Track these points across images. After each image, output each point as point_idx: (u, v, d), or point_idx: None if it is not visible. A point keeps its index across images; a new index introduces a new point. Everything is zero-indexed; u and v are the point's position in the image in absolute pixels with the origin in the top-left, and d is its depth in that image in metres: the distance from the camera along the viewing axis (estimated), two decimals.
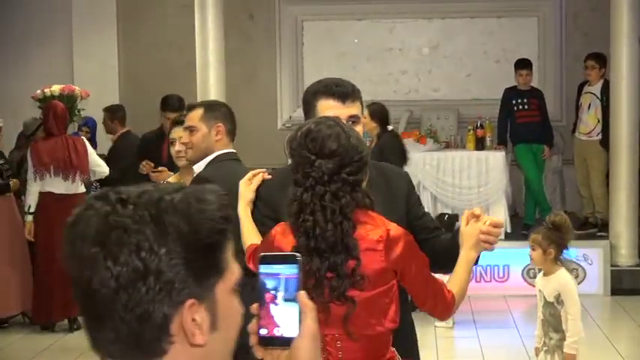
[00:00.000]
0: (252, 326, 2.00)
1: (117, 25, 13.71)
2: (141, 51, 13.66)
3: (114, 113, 11.25)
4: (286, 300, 1.96)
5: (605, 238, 11.08)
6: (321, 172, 3.21)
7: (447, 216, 9.87)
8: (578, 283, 10.08)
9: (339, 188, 3.22)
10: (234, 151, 5.06)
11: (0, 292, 9.47)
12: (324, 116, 3.47)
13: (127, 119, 11.23)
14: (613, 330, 9.41)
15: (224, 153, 4.94)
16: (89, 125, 11.73)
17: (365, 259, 3.20)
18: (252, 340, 2.01)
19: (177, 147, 5.47)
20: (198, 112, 4.99)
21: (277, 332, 1.95)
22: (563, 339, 6.16)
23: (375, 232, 3.27)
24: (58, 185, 9.35)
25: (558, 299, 6.17)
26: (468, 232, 3.47)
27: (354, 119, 3.69)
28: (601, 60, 11.36)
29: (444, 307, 3.40)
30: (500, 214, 11.00)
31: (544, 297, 6.25)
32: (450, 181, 11.25)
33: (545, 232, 6.28)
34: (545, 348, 6.28)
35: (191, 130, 4.96)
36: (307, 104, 3.81)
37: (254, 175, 3.82)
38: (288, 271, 2.02)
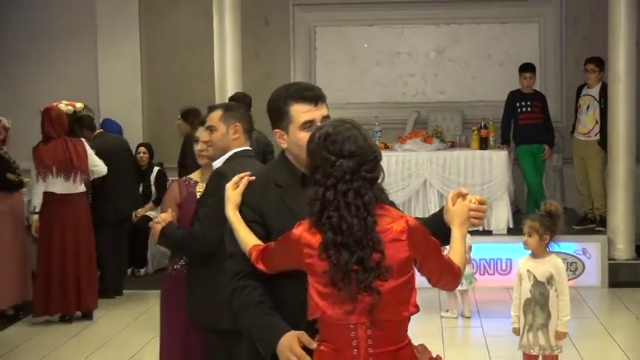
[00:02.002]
0: None
1: (139, 29, 13.60)
2: (162, 54, 13.53)
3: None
4: None
5: (603, 233, 10.95)
6: (343, 172, 3.21)
7: None
8: (577, 277, 10.42)
9: (361, 186, 3.23)
10: (250, 148, 5.06)
11: (15, 280, 9.54)
12: (339, 119, 3.38)
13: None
14: (610, 321, 9.29)
15: (241, 150, 4.93)
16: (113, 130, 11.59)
17: (391, 249, 3.22)
18: None
19: (200, 146, 5.43)
20: (217, 113, 5.04)
21: None
22: (548, 318, 6.33)
23: (398, 223, 3.29)
24: (59, 186, 9.17)
25: (549, 280, 6.34)
26: (456, 211, 3.57)
27: (325, 119, 3.62)
28: (600, 64, 11.21)
29: (455, 280, 3.46)
30: (503, 211, 11.09)
31: (534, 277, 6.36)
32: (455, 179, 11.07)
33: (541, 220, 6.38)
34: (527, 327, 6.39)
35: (211, 129, 5.03)
36: (277, 110, 3.65)
37: (240, 179, 3.71)
38: None
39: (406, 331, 3.36)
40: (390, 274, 3.20)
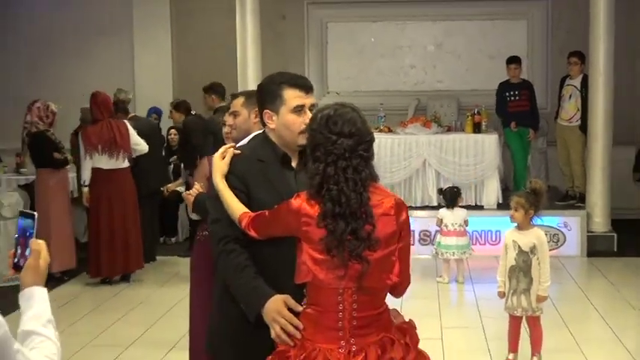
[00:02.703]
0: (10, 256, 2.66)
1: (171, 26, 13.63)
2: (191, 48, 13.52)
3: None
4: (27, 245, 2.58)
5: (582, 208, 10.96)
6: (343, 149, 3.21)
7: (449, 188, 9.76)
8: (558, 248, 10.42)
9: (358, 163, 3.23)
10: None
11: (63, 247, 9.53)
12: (339, 103, 3.38)
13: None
14: (588, 286, 9.30)
15: (261, 132, 4.83)
16: (157, 113, 11.87)
17: (380, 223, 3.22)
18: (9, 266, 2.67)
19: (226, 129, 5.37)
20: (240, 100, 4.99)
21: (22, 263, 2.58)
22: (530, 283, 6.35)
23: (388, 200, 3.30)
24: (105, 162, 9.24)
25: (533, 250, 6.35)
26: None
27: (312, 107, 3.58)
28: (581, 57, 11.22)
29: (406, 284, 3.43)
30: (493, 188, 11.10)
31: (519, 247, 6.37)
32: (452, 160, 11.11)
33: (527, 196, 6.41)
34: (511, 291, 6.41)
35: (235, 114, 4.99)
36: (270, 93, 3.62)
37: (226, 150, 3.66)
38: (32, 224, 2.61)
39: (385, 297, 3.36)
40: (378, 245, 3.20)
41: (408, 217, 3.38)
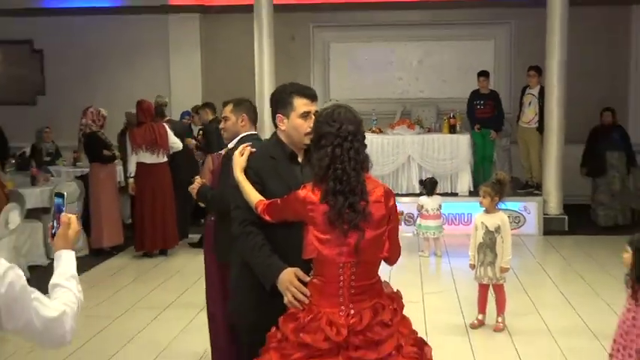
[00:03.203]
0: (49, 229, 2.81)
1: (200, 46, 13.60)
2: (216, 64, 13.51)
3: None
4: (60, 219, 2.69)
5: (539, 195, 10.98)
6: (347, 133, 3.21)
7: (428, 179, 9.78)
8: (520, 228, 10.47)
9: (359, 147, 3.24)
10: (256, 132, 4.98)
11: (112, 227, 9.67)
12: (337, 104, 3.41)
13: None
14: (544, 259, 9.34)
15: (248, 134, 4.82)
16: (189, 116, 11.75)
17: (373, 208, 3.22)
18: (49, 236, 2.81)
19: (221, 125, 5.31)
20: (229, 107, 4.96)
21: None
22: (495, 257, 6.43)
23: (379, 189, 3.29)
24: (147, 158, 9.29)
25: (497, 230, 6.41)
26: None
27: (316, 113, 3.52)
28: (539, 71, 11.23)
29: (398, 254, 3.45)
30: (466, 179, 11.14)
31: (486, 227, 6.43)
32: (431, 155, 11.12)
33: (493, 186, 6.47)
34: (480, 264, 6.48)
35: (225, 119, 4.96)
36: (282, 100, 3.60)
37: (244, 148, 3.64)
38: (62, 202, 2.78)
39: (377, 270, 3.35)
40: (371, 218, 3.21)
41: (395, 203, 3.37)
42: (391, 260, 3.42)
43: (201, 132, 11.59)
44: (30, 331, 2.28)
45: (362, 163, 3.25)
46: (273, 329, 3.31)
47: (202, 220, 11.30)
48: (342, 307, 3.22)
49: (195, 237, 10.06)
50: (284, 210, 3.34)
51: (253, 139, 4.75)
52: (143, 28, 13.42)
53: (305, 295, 3.26)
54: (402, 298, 3.43)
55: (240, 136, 4.85)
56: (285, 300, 3.31)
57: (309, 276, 3.33)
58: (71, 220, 2.67)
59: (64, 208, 2.76)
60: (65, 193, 2.87)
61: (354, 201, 3.18)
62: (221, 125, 5.14)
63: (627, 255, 4.50)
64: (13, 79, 13.88)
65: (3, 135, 11.68)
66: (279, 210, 3.36)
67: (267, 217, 3.39)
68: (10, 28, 13.50)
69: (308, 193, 3.25)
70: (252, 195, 3.47)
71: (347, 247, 3.19)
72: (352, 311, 3.21)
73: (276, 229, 3.43)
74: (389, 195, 3.33)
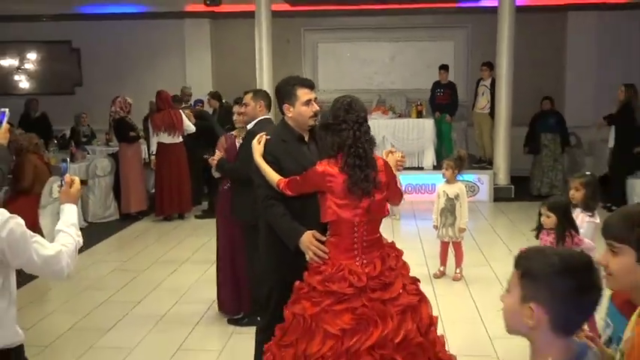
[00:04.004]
0: (58, 187, 2.90)
1: (210, 46, 13.54)
2: (224, 62, 13.45)
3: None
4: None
5: (490, 169, 10.94)
6: (363, 119, 3.30)
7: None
8: (475, 196, 10.46)
9: (369, 129, 3.33)
10: (270, 116, 4.98)
11: (138, 195, 9.64)
12: (347, 95, 3.42)
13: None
14: (494, 221, 9.32)
15: (264, 118, 4.84)
16: (201, 103, 11.57)
17: (379, 176, 3.31)
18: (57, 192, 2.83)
19: (235, 116, 5.44)
20: (249, 95, 4.98)
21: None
22: (455, 219, 6.47)
23: (379, 160, 3.36)
24: (166, 138, 9.24)
25: (457, 197, 6.44)
26: (389, 161, 3.46)
27: (315, 99, 3.62)
28: (491, 66, 11.13)
29: (399, 197, 3.54)
30: (430, 155, 11.03)
31: (447, 195, 6.46)
32: (402, 136, 11.05)
33: (455, 161, 6.51)
34: (442, 225, 6.52)
35: (246, 105, 4.99)
36: (287, 92, 3.58)
37: (260, 137, 3.62)
38: (67, 166, 2.84)
39: (380, 227, 3.41)
40: (380, 186, 3.30)
41: (391, 169, 3.45)
42: (397, 202, 3.58)
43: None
44: (32, 267, 2.39)
45: (372, 140, 3.33)
46: (298, 283, 3.34)
47: (206, 191, 11.37)
48: (358, 259, 3.27)
49: (202, 206, 10.01)
50: (304, 184, 3.34)
51: (268, 121, 4.83)
52: (163, 31, 13.35)
53: (324, 252, 3.29)
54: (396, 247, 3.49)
55: (259, 119, 4.84)
56: (307, 257, 3.33)
57: (324, 236, 3.35)
58: (74, 180, 2.76)
59: (68, 171, 2.83)
60: (68, 159, 3.09)
61: (368, 172, 3.24)
62: (242, 110, 5.15)
63: (550, 220, 4.49)
64: (55, 73, 13.89)
65: (47, 120, 11.74)
66: (300, 185, 3.35)
67: (288, 192, 3.39)
68: (53, 30, 13.52)
69: (326, 167, 3.26)
70: (272, 175, 3.46)
71: (360, 209, 3.25)
72: (365, 261, 3.27)
73: (293, 200, 3.43)
74: (387, 165, 3.41)
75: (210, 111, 10.96)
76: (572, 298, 1.66)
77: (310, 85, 3.63)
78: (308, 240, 3.34)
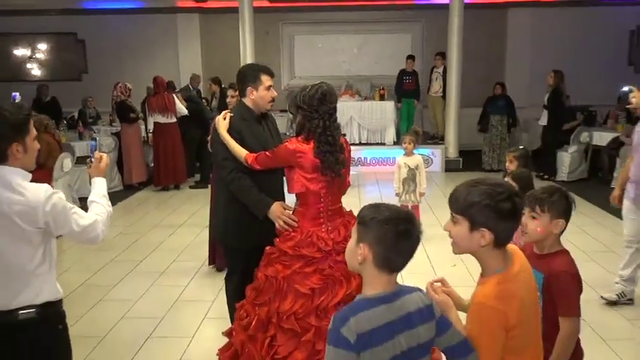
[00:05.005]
0: (88, 163, 2.73)
1: (200, 37, 13.34)
2: (213, 52, 13.26)
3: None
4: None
5: (442, 144, 10.99)
6: (333, 109, 3.15)
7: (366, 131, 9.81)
8: (429, 167, 10.50)
9: (336, 117, 3.19)
10: None
11: (138, 169, 9.56)
12: (322, 83, 3.20)
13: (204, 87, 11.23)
14: (445, 188, 9.33)
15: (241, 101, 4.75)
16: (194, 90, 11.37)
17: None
18: (88, 167, 2.74)
19: (229, 99, 5.44)
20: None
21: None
22: (415, 186, 6.52)
23: (342, 140, 3.23)
24: (161, 119, 9.11)
25: (416, 167, 6.49)
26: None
27: (272, 85, 3.51)
28: (443, 55, 11.09)
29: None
30: (391, 133, 11.00)
31: (408, 166, 6.47)
32: (366, 116, 11.02)
33: (414, 135, 6.56)
34: (404, 192, 6.52)
35: (236, 89, 4.73)
36: (252, 76, 3.45)
37: (225, 114, 3.47)
38: (96, 144, 2.86)
39: (342, 196, 3.34)
40: (345, 163, 3.21)
41: (350, 149, 3.36)
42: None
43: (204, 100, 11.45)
44: (72, 234, 2.39)
45: (339, 127, 3.21)
46: (269, 248, 3.26)
47: (198, 164, 11.26)
48: (323, 226, 3.19)
49: (195, 178, 9.94)
50: (274, 160, 3.20)
51: None
52: (158, 24, 13.11)
53: (293, 220, 3.21)
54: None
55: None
56: (277, 226, 3.24)
57: (291, 207, 3.27)
58: (102, 157, 2.72)
59: (96, 148, 2.79)
60: (98, 138, 3.02)
61: (338, 156, 3.15)
62: (235, 93, 5.00)
63: (512, 164, 4.49)
64: (63, 61, 13.61)
65: (57, 103, 11.55)
66: (269, 160, 3.22)
67: (257, 166, 3.25)
68: (60, 23, 13.24)
69: (297, 145, 3.12)
70: (239, 149, 3.33)
71: (326, 182, 3.15)
72: (330, 228, 3.19)
73: (258, 174, 3.31)
74: (347, 144, 3.31)
75: (210, 95, 10.88)
76: (391, 242, 1.80)
77: (272, 74, 3.51)
78: (278, 210, 3.26)
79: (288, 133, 9.39)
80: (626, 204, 4.65)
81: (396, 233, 1.80)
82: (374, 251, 1.82)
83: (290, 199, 3.44)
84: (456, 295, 2.07)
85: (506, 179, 4.51)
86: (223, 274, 5.49)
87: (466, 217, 1.92)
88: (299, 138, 3.16)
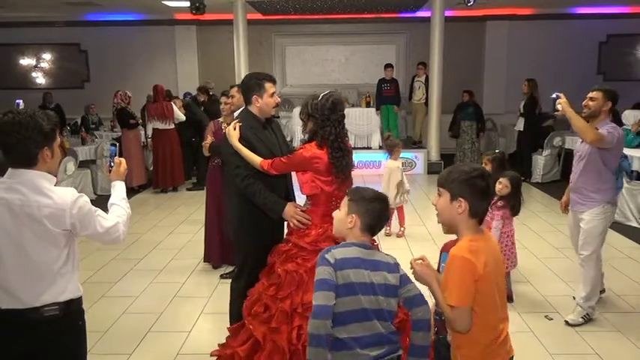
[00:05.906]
0: (106, 168, 2.75)
1: (197, 47, 13.28)
2: (209, 61, 13.22)
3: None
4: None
5: (425, 148, 10.98)
6: (342, 117, 3.22)
7: (354, 136, 9.80)
8: (413, 169, 10.53)
9: (344, 125, 3.24)
10: None
11: (138, 172, 9.45)
12: (333, 92, 3.28)
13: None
14: (428, 189, 9.35)
15: (245, 108, 4.73)
16: (190, 96, 11.26)
17: None
18: (106, 173, 2.76)
19: (222, 106, 5.29)
20: (235, 88, 4.99)
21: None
22: (403, 185, 6.48)
23: (349, 145, 3.29)
24: (160, 125, 9.06)
25: (401, 170, 6.50)
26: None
27: (275, 92, 3.50)
28: (425, 65, 11.09)
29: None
30: (376, 138, 10.96)
31: (399, 168, 6.46)
32: (354, 122, 10.91)
33: (396, 142, 6.59)
34: (398, 194, 6.45)
35: (232, 96, 4.97)
36: (257, 85, 3.43)
37: (235, 124, 3.42)
38: (115, 149, 2.81)
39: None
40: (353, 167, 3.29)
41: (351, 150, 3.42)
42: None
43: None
44: (96, 235, 2.40)
45: (346, 133, 3.28)
46: (283, 245, 3.27)
47: (194, 168, 11.20)
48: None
49: (192, 181, 9.89)
50: (289, 165, 3.22)
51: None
52: (157, 35, 13.08)
53: (307, 219, 3.24)
54: None
55: (243, 107, 4.80)
56: (291, 224, 3.28)
57: (303, 207, 3.29)
58: (122, 161, 2.73)
59: (116, 153, 2.80)
60: (117, 144, 2.98)
61: (348, 159, 3.21)
62: (229, 100, 5.07)
63: (501, 186, 4.48)
64: (66, 70, 13.52)
65: (61, 110, 11.45)
66: (285, 166, 3.22)
67: (273, 172, 3.25)
68: (64, 34, 13.18)
69: (312, 150, 3.14)
70: (253, 157, 3.31)
71: (337, 184, 3.19)
72: None
73: (267, 177, 3.31)
74: (350, 147, 3.35)
75: (200, 101, 10.85)
76: (372, 212, 2.39)
77: (275, 81, 3.51)
78: (292, 210, 3.27)
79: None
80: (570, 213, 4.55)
81: (380, 208, 2.42)
82: (362, 220, 2.39)
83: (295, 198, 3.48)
84: (434, 270, 2.34)
85: (483, 166, 4.52)
86: (219, 272, 5.53)
87: (447, 189, 2.26)
88: (312, 144, 3.17)
